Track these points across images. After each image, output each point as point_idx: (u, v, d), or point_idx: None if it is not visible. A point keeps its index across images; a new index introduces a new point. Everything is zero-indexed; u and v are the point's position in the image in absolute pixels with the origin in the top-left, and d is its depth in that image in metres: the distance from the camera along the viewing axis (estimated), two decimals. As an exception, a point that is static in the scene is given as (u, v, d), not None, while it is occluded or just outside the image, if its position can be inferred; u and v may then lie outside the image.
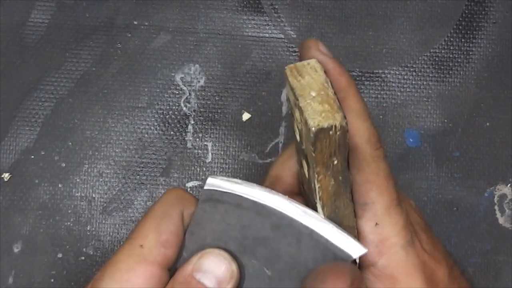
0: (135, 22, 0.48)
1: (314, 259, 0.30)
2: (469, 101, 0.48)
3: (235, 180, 0.31)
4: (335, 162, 0.31)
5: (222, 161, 0.47)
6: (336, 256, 0.30)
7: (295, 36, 0.49)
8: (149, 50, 0.48)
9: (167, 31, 0.48)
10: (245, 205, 0.30)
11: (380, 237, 0.33)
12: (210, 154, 0.47)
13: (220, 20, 0.49)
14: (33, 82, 0.47)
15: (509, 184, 0.48)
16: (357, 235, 0.33)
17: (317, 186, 0.31)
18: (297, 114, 0.31)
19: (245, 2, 0.49)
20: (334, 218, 0.32)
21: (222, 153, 0.47)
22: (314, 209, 0.32)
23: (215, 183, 0.31)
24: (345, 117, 0.30)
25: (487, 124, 0.48)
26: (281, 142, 0.47)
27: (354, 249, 0.30)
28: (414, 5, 0.49)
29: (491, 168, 0.48)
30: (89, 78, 0.48)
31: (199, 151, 0.47)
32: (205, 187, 0.31)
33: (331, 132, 0.29)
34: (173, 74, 0.48)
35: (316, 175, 0.31)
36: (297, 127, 0.32)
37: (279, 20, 0.49)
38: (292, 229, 0.30)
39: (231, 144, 0.48)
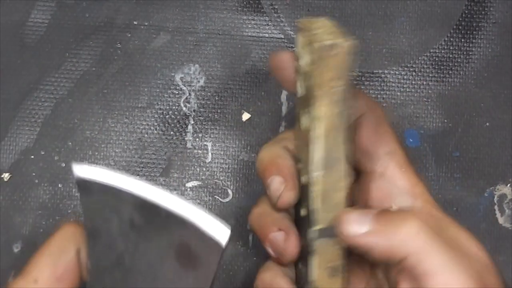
0: (135, 22, 0.48)
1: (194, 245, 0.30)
2: (469, 101, 0.48)
3: (107, 171, 0.31)
4: (338, 87, 0.32)
5: (222, 161, 0.47)
6: (210, 239, 0.30)
7: (295, 36, 0.49)
8: (149, 50, 0.48)
9: (167, 31, 0.48)
10: (125, 198, 0.30)
11: (410, 182, 0.34)
12: (210, 154, 0.47)
13: (220, 20, 0.49)
14: (33, 82, 0.48)
15: (509, 184, 0.48)
16: (349, 182, 0.34)
17: (318, 120, 0.32)
18: (305, 58, 0.33)
19: (245, 2, 0.49)
20: (327, 157, 0.33)
21: (222, 153, 0.47)
22: (306, 159, 0.33)
23: (88, 171, 0.31)
24: (349, 42, 0.32)
25: (487, 124, 0.48)
26: (281, 142, 0.47)
27: (220, 232, 0.30)
28: (414, 5, 0.49)
29: (491, 168, 0.48)
30: (89, 78, 0.48)
31: (199, 151, 0.47)
32: (79, 175, 0.31)
33: (335, 51, 0.31)
34: (173, 74, 0.48)
35: (319, 103, 0.32)
36: (302, 73, 0.34)
37: (279, 20, 0.49)
38: (171, 220, 0.30)
39: (231, 144, 0.48)
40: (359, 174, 0.35)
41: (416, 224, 0.31)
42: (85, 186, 0.31)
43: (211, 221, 0.29)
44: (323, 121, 0.32)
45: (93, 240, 0.31)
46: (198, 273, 0.29)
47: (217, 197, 0.47)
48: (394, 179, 0.34)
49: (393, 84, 0.48)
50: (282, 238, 0.34)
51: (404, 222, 0.31)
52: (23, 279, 0.31)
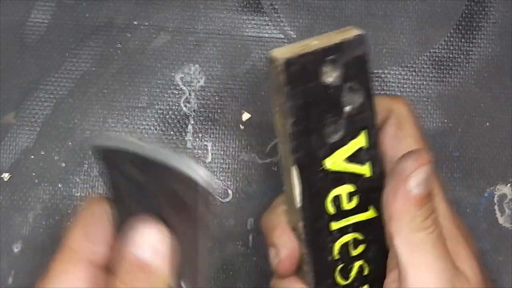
0: (135, 22, 0.48)
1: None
2: (469, 101, 0.48)
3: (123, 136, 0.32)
4: (280, 99, 0.32)
5: (222, 161, 0.47)
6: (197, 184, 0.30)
7: (295, 36, 0.49)
8: (149, 50, 0.48)
9: (167, 31, 0.48)
10: (136, 161, 0.31)
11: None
12: (210, 154, 0.47)
13: (220, 20, 0.49)
14: (33, 82, 0.48)
15: (509, 184, 0.48)
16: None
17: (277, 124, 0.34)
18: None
19: (245, 2, 0.49)
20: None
21: (222, 153, 0.47)
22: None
23: (99, 139, 0.31)
24: (291, 60, 0.31)
25: (487, 124, 0.48)
26: (281, 142, 0.47)
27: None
28: (414, 5, 0.49)
29: (491, 168, 0.48)
30: (89, 78, 0.48)
31: (199, 151, 0.47)
32: (92, 144, 0.31)
33: (273, 64, 0.32)
34: (173, 74, 0.48)
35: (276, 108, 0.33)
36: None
37: (279, 20, 0.49)
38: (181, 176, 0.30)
39: (230, 144, 0.48)
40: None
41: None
42: (98, 153, 0.32)
43: (191, 165, 0.29)
44: (278, 128, 0.33)
45: (116, 204, 0.32)
46: (188, 217, 0.30)
47: (217, 197, 0.47)
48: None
49: (393, 84, 0.48)
50: (273, 254, 0.36)
51: None
52: (60, 250, 0.32)
